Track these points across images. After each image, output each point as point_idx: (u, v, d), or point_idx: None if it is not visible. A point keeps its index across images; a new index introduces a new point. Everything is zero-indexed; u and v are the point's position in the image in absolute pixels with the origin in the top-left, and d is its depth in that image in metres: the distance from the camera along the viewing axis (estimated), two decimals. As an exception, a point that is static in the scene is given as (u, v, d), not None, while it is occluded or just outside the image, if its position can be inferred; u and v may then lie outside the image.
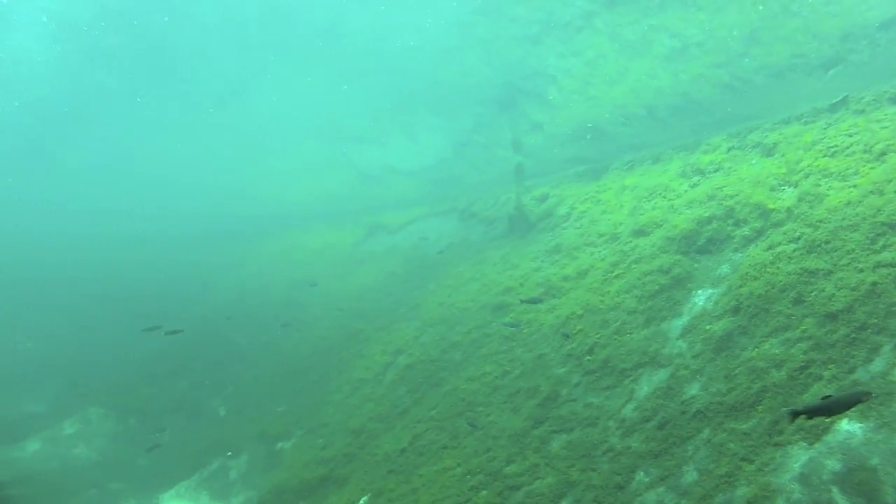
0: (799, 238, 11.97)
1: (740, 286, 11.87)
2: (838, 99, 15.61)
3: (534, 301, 16.01)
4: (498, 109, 30.93)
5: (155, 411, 23.61)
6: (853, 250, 10.71)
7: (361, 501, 12.89)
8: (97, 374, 26.01)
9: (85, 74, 31.40)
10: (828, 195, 12.62)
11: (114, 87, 32.86)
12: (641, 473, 9.79)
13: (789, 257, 11.66)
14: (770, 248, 12.35)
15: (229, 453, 18.27)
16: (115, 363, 26.43)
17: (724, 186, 15.48)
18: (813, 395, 8.85)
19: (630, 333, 13.10)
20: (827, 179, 13.14)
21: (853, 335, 9.29)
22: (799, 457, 8.32)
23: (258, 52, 30.48)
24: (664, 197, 17.57)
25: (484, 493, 11.25)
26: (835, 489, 7.74)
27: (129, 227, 56.37)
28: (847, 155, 13.40)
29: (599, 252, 17.41)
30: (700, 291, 12.91)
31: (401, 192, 42.18)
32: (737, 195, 14.69)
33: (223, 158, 44.34)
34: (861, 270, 10.21)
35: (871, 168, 12.46)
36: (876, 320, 9.23)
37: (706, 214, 14.85)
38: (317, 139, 40.38)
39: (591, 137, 27.77)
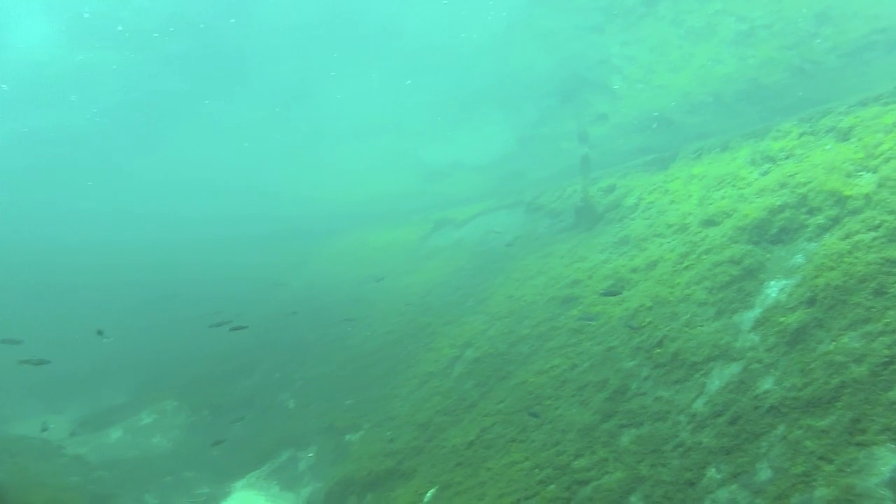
0: (879, 226, 11.28)
1: (815, 277, 11.28)
2: (921, 78, 14.67)
3: (612, 293, 15.59)
4: (562, 101, 30.49)
5: (227, 405, 24.25)
6: (939, 237, 10.02)
7: (429, 494, 12.88)
8: (171, 370, 26.93)
9: (155, 80, 32.31)
10: (910, 180, 11.86)
11: (182, 91, 33.70)
12: (713, 470, 9.42)
13: (869, 246, 11.00)
14: (847, 236, 11.69)
15: (310, 454, 18.55)
16: (188, 359, 27.28)
17: (796, 174, 14.76)
18: (896, 390, 8.31)
19: (700, 326, 12.65)
20: (909, 163, 12.35)
21: (940, 327, 8.69)
22: (888, 460, 7.79)
23: (323, 53, 30.78)
24: (734, 186, 16.90)
25: (552, 487, 11.06)
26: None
27: (199, 231, 58.16)
28: (931, 137, 12.56)
29: (668, 243, 16.91)
30: (773, 282, 12.34)
31: (466, 186, 42.15)
32: (810, 182, 13.98)
33: (289, 159, 45.09)
34: (948, 259, 9.55)
35: (958, 150, 11.64)
36: (965, 312, 8.60)
37: (778, 203, 14.19)
38: (382, 137, 40.65)
39: (656, 126, 27.05)
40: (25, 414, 23.51)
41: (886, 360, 8.86)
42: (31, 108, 33.96)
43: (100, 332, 17.10)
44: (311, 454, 18.66)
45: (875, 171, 13.00)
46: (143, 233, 59.30)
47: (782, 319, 11.08)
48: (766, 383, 10.15)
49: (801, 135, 16.72)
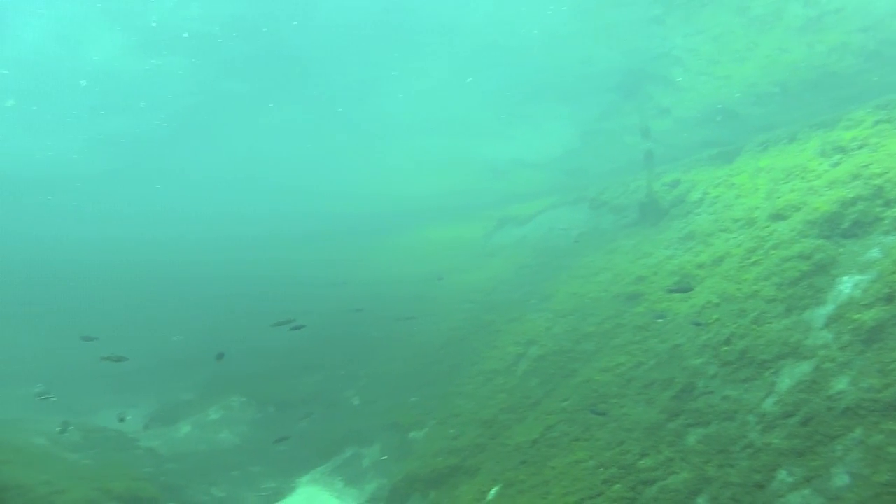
0: (961, 217, 10.61)
1: (894, 272, 10.69)
2: None
3: (682, 290, 15.15)
4: (624, 95, 29.84)
5: (292, 401, 24.60)
6: None
7: (492, 492, 12.81)
8: (238, 367, 27.47)
9: (219, 84, 33.02)
10: None
11: (245, 93, 34.33)
12: (784, 472, 9.04)
13: (950, 239, 10.36)
14: (927, 229, 11.04)
15: (385, 457, 18.66)
16: (254, 356, 27.74)
17: (870, 164, 14.01)
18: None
19: (769, 323, 12.18)
20: None
21: None
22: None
23: (383, 52, 30.90)
24: (802, 178, 16.19)
25: (617, 486, 10.84)
26: None
27: (263, 229, 59.25)
28: None
29: (735, 238, 16.34)
30: (846, 278, 11.76)
31: (529, 183, 41.74)
32: (886, 173, 13.25)
33: (351, 158, 45.45)
34: None
35: None
36: None
37: (850, 195, 13.51)
38: (443, 135, 40.57)
39: (720, 119, 26.14)
40: (103, 406, 24.35)
41: (971, 359, 8.32)
42: (105, 115, 35.31)
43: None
44: (376, 451, 18.80)
45: (957, 159, 12.24)
46: (209, 231, 60.92)
47: (857, 317, 10.54)
48: (841, 383, 9.68)
49: (875, 123, 15.89)
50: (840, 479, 8.37)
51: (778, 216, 15.39)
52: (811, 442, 9.15)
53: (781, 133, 19.70)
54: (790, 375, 10.63)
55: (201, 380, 27.64)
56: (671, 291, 15.64)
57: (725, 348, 12.42)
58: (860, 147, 15.48)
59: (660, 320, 15.23)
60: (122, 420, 20.85)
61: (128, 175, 46.62)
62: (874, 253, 11.84)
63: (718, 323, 13.34)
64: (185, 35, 27.72)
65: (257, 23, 27.65)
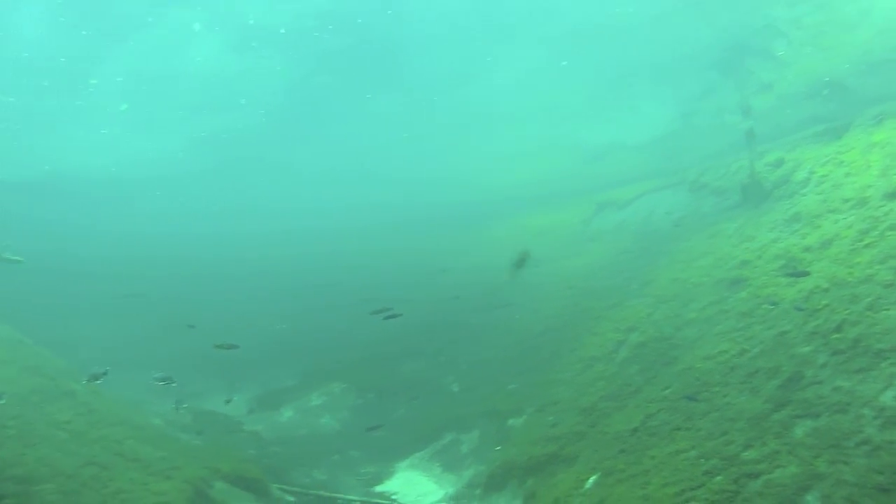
0: None
1: None
2: None
3: (798, 274, 14.18)
4: (723, 72, 28.35)
5: (392, 388, 24.82)
6: None
7: (590, 480, 12.53)
8: (340, 353, 27.88)
9: (315, 77, 33.61)
10: None
11: (342, 85, 34.74)
12: (907, 472, 8.29)
13: None
14: None
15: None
16: (355, 343, 28.08)
17: None
18: None
19: (886, 310, 11.24)
20: None
21: None
22: None
23: (478, 39, 30.60)
24: (924, 152, 14.80)
25: (718, 478, 10.33)
26: None
27: (363, 219, 60.20)
28: None
29: (845, 219, 15.17)
30: (973, 259, 10.66)
31: (627, 166, 40.49)
32: None
33: (449, 147, 45.43)
34: None
35: None
36: None
37: (978, 169, 12.22)
38: (540, 120, 39.92)
39: (827, 93, 24.25)
40: (210, 391, 25.40)
41: None
42: (207, 114, 36.85)
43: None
44: (475, 437, 18.73)
45: None
46: (312, 223, 62.56)
47: (985, 302, 9.53)
48: (967, 375, 8.78)
49: None
50: (966, 479, 7.61)
51: (894, 195, 14.14)
52: (934, 438, 8.36)
53: (898, 104, 18.10)
54: (910, 366, 9.76)
55: (303, 367, 28.38)
56: (788, 275, 14.64)
57: (836, 336, 11.57)
58: None
59: (771, 307, 14.27)
60: (228, 402, 21.73)
61: (230, 171, 48.63)
62: None
63: (828, 309, 12.44)
64: (282, 31, 28.30)
65: (351, 15, 27.88)
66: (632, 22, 27.28)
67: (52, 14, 24.05)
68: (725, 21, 25.08)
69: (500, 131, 42.36)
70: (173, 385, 15.09)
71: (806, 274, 13.92)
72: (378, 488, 17.39)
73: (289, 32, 28.63)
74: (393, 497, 16.63)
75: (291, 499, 15.30)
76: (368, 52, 31.40)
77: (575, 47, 30.62)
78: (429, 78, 34.72)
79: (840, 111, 22.33)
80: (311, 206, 60.90)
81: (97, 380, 11.91)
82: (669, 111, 35.03)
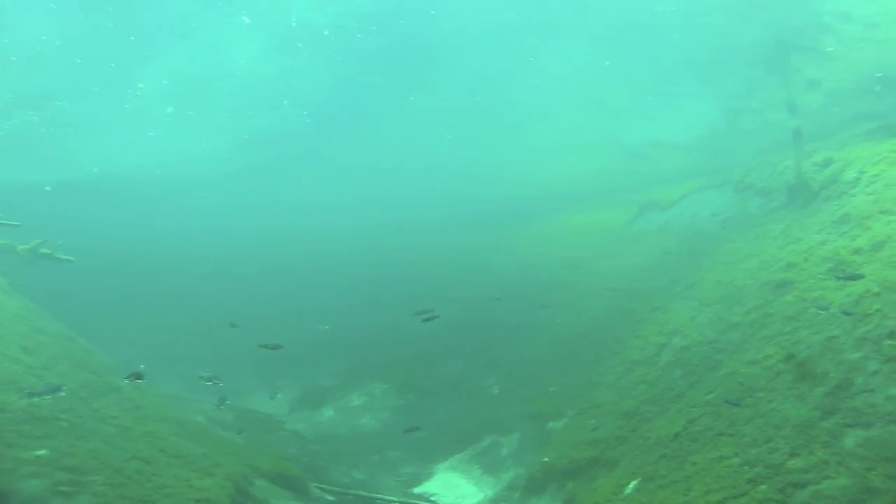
0: None
1: None
2: None
3: (851, 277, 13.62)
4: (768, 70, 27.55)
5: (433, 388, 24.68)
6: None
7: (631, 485, 12.29)
8: (380, 353, 27.78)
9: (358, 77, 33.71)
10: None
11: (385, 85, 34.77)
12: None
13: None
14: None
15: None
16: (396, 343, 27.96)
17: None
18: None
19: (942, 315, 10.72)
20: None
21: None
22: None
23: (518, 36, 30.33)
24: (982, 150, 14.11)
25: (763, 487, 10.00)
26: None
27: (401, 216, 60.16)
28: None
29: (898, 220, 14.56)
30: None
31: (669, 166, 39.73)
32: None
33: (488, 144, 45.19)
34: None
35: None
36: None
37: None
38: (581, 118, 39.46)
39: (880, 89, 23.32)
40: (251, 389, 25.64)
41: None
42: (251, 115, 37.36)
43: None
44: (515, 440, 18.55)
45: None
46: (354, 220, 62.83)
47: None
48: None
49: None
50: None
51: (950, 194, 13.53)
52: None
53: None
54: (968, 375, 9.29)
55: (344, 366, 28.40)
56: (840, 279, 14.07)
57: (889, 342, 11.10)
58: None
59: (822, 312, 13.67)
60: (272, 398, 21.88)
61: (274, 169, 49.20)
62: None
63: (880, 314, 11.94)
64: (326, 33, 28.48)
65: (393, 15, 27.91)
66: (675, 19, 26.72)
67: (103, 21, 24.68)
68: (771, 16, 24.36)
69: (543, 129, 41.92)
70: (220, 385, 15.34)
71: (859, 277, 13.38)
72: (417, 489, 17.37)
73: (332, 33, 28.80)
74: (432, 498, 16.61)
75: (330, 498, 15.39)
76: (411, 53, 31.40)
77: (618, 44, 30.16)
78: (472, 77, 34.56)
79: (893, 108, 21.45)
80: (354, 202, 61.05)
81: (138, 378, 12.19)
82: (713, 110, 34.23)
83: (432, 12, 27.85)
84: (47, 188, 43.33)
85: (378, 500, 15.76)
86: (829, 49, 23.98)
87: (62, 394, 12.99)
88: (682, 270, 23.11)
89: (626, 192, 39.20)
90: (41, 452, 10.99)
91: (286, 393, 26.32)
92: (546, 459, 16.23)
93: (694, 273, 21.96)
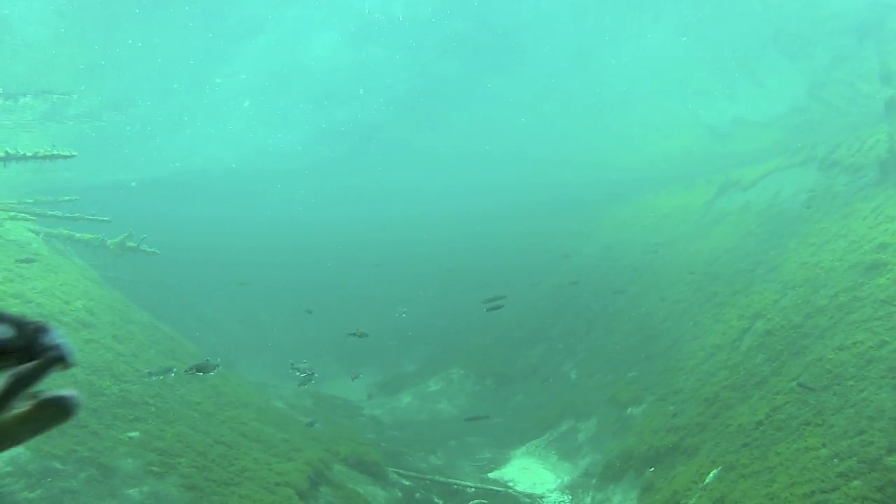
0: None
1: None
2: None
3: None
4: (860, 37, 25.52)
5: (511, 374, 24.34)
6: None
7: (711, 474, 11.73)
8: (459, 339, 27.54)
9: (435, 64, 33.26)
10: None
11: (461, 71, 34.16)
12: None
13: None
14: None
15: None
16: (476, 329, 27.65)
17: None
18: None
19: None
20: None
21: None
22: None
23: (594, 16, 29.27)
24: None
25: (856, 483, 9.30)
26: None
27: (484, 202, 59.50)
28: None
29: None
30: None
31: (752, 145, 37.68)
32: None
33: (569, 128, 44.05)
34: None
35: None
36: None
37: None
38: (661, 98, 37.83)
39: None
40: (331, 375, 25.92)
41: None
42: (328, 106, 37.51)
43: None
44: (592, 426, 18.07)
45: None
46: (432, 206, 62.62)
47: None
48: None
49: None
50: None
51: None
52: None
53: None
54: None
55: (423, 352, 28.42)
56: None
57: None
58: None
59: None
60: (354, 379, 22.14)
61: (351, 160, 49.46)
62: None
63: (985, 297, 10.89)
64: (401, 18, 28.33)
65: (469, 1, 27.44)
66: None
67: (182, 19, 25.31)
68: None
69: (624, 111, 40.52)
70: (314, 376, 15.60)
71: None
72: (493, 475, 17.27)
73: (406, 20, 28.60)
74: (508, 483, 16.46)
75: (407, 483, 15.47)
76: (487, 37, 30.80)
77: (697, 20, 28.68)
78: (549, 60, 33.67)
79: None
80: (437, 191, 60.93)
81: (210, 371, 12.55)
82: (797, 84, 32.10)
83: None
84: (133, 185, 45.30)
85: (454, 486, 15.74)
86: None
87: (173, 374, 13.66)
88: (765, 252, 21.95)
89: (707, 173, 37.66)
90: (133, 434, 11.57)
91: (365, 379, 26.57)
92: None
93: (777, 255, 20.81)
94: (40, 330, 1.73)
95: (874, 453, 9.66)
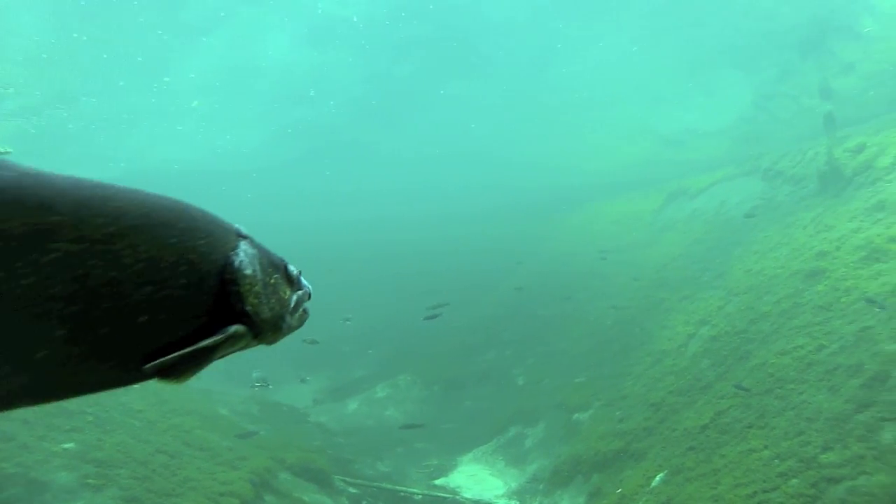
0: None
1: None
2: None
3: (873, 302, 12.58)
4: (803, 53, 26.52)
5: (458, 380, 24.24)
6: None
7: (658, 478, 11.88)
8: (408, 345, 27.29)
9: (389, 67, 32.98)
10: None
11: (418, 75, 34.02)
12: None
13: None
14: None
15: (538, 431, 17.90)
16: (424, 335, 27.39)
17: None
18: None
19: (982, 304, 10.08)
20: None
21: None
22: None
23: (552, 23, 29.50)
24: None
25: (794, 481, 9.53)
26: None
27: (442, 206, 59.36)
28: None
29: (936, 206, 13.80)
30: None
31: (701, 154, 38.72)
32: None
33: (526, 133, 44.32)
34: None
35: None
36: None
37: None
38: (616, 106, 38.51)
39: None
40: (278, 381, 25.38)
41: None
42: (280, 107, 36.87)
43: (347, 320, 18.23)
44: (540, 431, 18.08)
45: None
46: (390, 210, 62.05)
47: None
48: None
49: None
50: None
51: None
52: None
53: None
54: None
55: (371, 358, 28.10)
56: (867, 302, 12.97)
57: (926, 332, 10.49)
58: None
59: (881, 310, 12.39)
60: (302, 381, 21.64)
61: (305, 163, 48.67)
62: None
63: (917, 303, 11.31)
64: (355, 19, 27.93)
65: (424, 2, 27.23)
66: (707, 4, 25.80)
67: (131, 14, 24.53)
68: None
69: (579, 117, 40.93)
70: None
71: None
72: (440, 481, 17.10)
73: (360, 22, 28.21)
74: (455, 490, 16.33)
75: (354, 490, 15.22)
76: (443, 40, 30.65)
77: (650, 32, 29.26)
78: (505, 65, 33.78)
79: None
80: (392, 193, 60.34)
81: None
82: (745, 96, 33.15)
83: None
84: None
85: (401, 493, 15.54)
86: (866, 30, 22.90)
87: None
88: (712, 259, 22.46)
89: (658, 181, 38.36)
90: (69, 445, 11.03)
91: (312, 384, 26.10)
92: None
93: (723, 262, 21.31)
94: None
95: (811, 452, 9.92)
